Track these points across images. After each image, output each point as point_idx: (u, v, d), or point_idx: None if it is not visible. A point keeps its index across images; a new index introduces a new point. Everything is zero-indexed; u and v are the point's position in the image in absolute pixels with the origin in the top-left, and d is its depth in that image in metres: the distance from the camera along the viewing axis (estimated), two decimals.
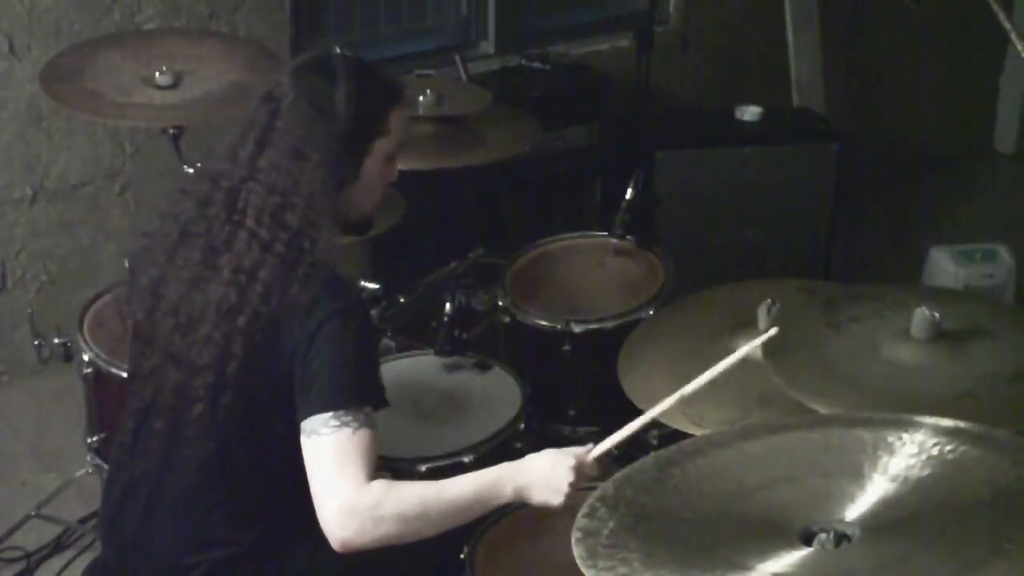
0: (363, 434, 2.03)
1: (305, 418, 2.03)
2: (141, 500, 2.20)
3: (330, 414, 2.01)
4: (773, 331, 2.10)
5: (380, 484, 2.03)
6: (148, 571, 2.20)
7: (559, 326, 2.93)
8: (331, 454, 2.01)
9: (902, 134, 5.29)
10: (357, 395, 2.05)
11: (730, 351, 2.42)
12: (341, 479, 2.01)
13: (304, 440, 2.03)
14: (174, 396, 2.10)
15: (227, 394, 2.05)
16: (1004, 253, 4.32)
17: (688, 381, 2.39)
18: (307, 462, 2.03)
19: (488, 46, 4.42)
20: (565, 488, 2.04)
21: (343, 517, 2.00)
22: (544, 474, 2.06)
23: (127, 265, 2.24)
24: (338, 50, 2.21)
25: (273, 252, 2.05)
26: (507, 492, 2.07)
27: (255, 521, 2.16)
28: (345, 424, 2.01)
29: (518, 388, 2.78)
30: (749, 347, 2.09)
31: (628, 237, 3.13)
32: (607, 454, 2.10)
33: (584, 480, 2.06)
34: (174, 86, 2.96)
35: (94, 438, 2.84)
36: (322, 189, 2.09)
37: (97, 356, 2.77)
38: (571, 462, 2.05)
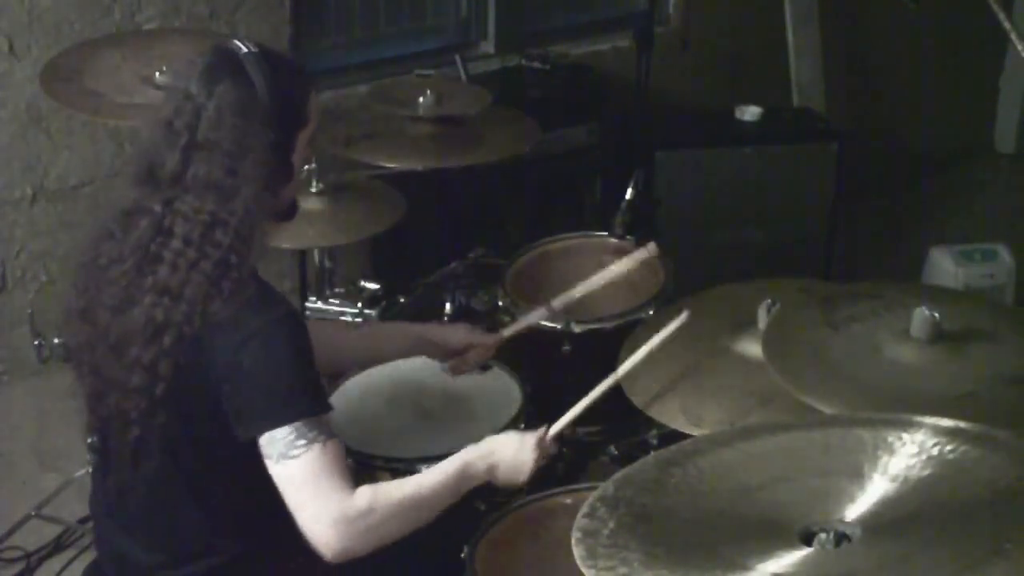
0: (332, 445, 2.02)
1: (259, 434, 1.99)
2: (115, 519, 2.20)
3: (289, 428, 1.98)
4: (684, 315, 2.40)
5: (366, 491, 2.04)
6: None
7: (559, 326, 2.93)
8: (311, 475, 1.99)
9: (902, 134, 5.29)
10: (310, 404, 2.02)
11: (730, 351, 2.44)
12: (327, 497, 2.00)
13: (273, 465, 2.00)
14: (116, 420, 2.06)
15: (160, 415, 2.00)
16: (1004, 253, 4.33)
17: (688, 381, 2.40)
18: (283, 487, 2.01)
19: (488, 46, 4.43)
20: (530, 468, 2.23)
21: (339, 530, 2.00)
22: (512, 456, 2.23)
23: (71, 282, 2.14)
24: (240, 45, 2.07)
25: (199, 270, 1.98)
26: (480, 474, 2.20)
27: (235, 529, 2.14)
28: (313, 440, 1.99)
29: (518, 388, 2.78)
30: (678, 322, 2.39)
31: (628, 237, 3.13)
32: (562, 432, 2.35)
33: (544, 459, 2.27)
34: None
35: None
36: (258, 201, 2.02)
37: None
38: (532, 442, 2.25)
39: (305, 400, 2.02)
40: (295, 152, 2.11)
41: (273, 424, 1.99)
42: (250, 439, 2.01)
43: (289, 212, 2.21)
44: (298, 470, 1.99)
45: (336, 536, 2.01)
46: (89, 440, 2.20)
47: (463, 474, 2.18)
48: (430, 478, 2.16)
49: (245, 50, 2.06)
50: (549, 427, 2.33)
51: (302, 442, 1.99)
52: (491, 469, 2.22)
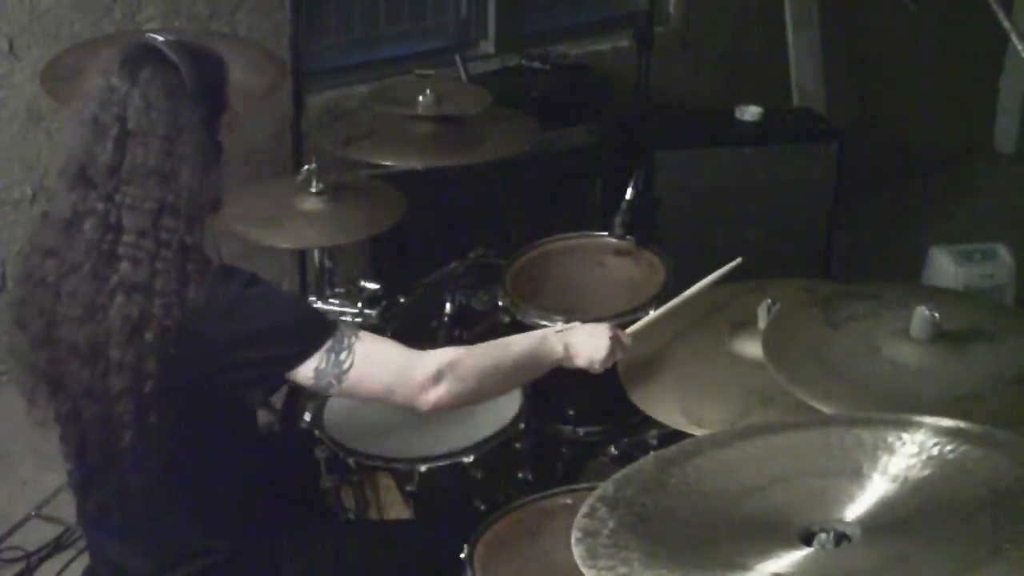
0: (366, 335, 2.09)
1: (298, 376, 2.02)
2: (107, 532, 2.19)
3: (321, 353, 2.02)
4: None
5: (450, 348, 2.16)
6: None
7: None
8: (377, 366, 2.07)
9: (902, 134, 5.29)
10: (324, 324, 2.06)
11: (730, 351, 2.44)
12: (403, 369, 2.09)
13: (339, 388, 2.04)
14: (99, 430, 2.03)
15: (152, 413, 1.98)
16: (1004, 253, 4.33)
17: (688, 381, 2.40)
18: (364, 393, 2.08)
19: (488, 46, 4.43)
20: (604, 352, 2.33)
21: (431, 388, 2.09)
22: (589, 336, 2.34)
23: (12, 318, 2.09)
24: (156, 36, 2.07)
25: (161, 258, 1.97)
26: (559, 348, 2.31)
27: (228, 526, 2.14)
28: (352, 342, 2.05)
29: (518, 388, 2.78)
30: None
31: (628, 237, 3.13)
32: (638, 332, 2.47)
33: (620, 351, 2.38)
34: None
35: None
36: (200, 180, 2.01)
37: None
38: (610, 332, 2.36)
39: (318, 323, 2.07)
40: (221, 134, 2.11)
41: (305, 356, 2.02)
42: (292, 385, 2.05)
43: (217, 203, 2.16)
44: (363, 372, 2.04)
45: (426, 398, 2.10)
46: (68, 467, 2.17)
47: (543, 344, 2.30)
48: (514, 344, 2.29)
49: (161, 39, 2.06)
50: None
51: (343, 352, 2.03)
52: (570, 345, 2.31)
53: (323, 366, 2.02)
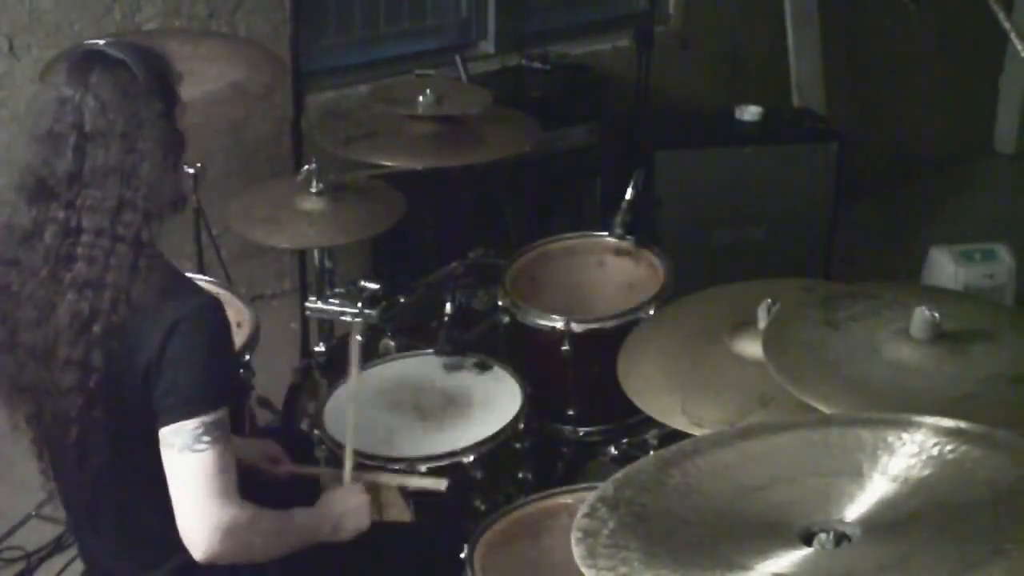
0: (230, 449, 2.01)
1: (167, 424, 1.98)
2: (86, 533, 2.21)
3: (196, 422, 1.97)
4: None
5: (251, 505, 2.04)
6: None
7: (559, 326, 2.93)
8: (211, 472, 1.98)
9: (902, 134, 5.29)
10: (217, 398, 2.01)
11: (730, 351, 2.44)
12: (221, 499, 1.99)
13: (174, 454, 1.98)
14: (55, 428, 2.06)
15: (97, 407, 1.99)
16: (1004, 253, 4.33)
17: (688, 381, 2.40)
18: (179, 476, 1.99)
19: (488, 46, 4.43)
20: (366, 518, 2.25)
21: (219, 536, 1.99)
22: (351, 513, 2.24)
23: None
24: (95, 41, 2.07)
25: (116, 254, 1.97)
26: (327, 529, 2.21)
27: None
28: (217, 439, 1.98)
29: (518, 388, 2.78)
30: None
31: (628, 237, 3.13)
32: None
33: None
34: None
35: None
36: (160, 174, 2.00)
37: None
38: (363, 492, 2.29)
39: (217, 392, 2.02)
40: (179, 124, 2.09)
41: (189, 414, 1.97)
42: (163, 426, 1.99)
43: (183, 200, 2.17)
44: (200, 464, 1.98)
45: (215, 540, 2.00)
46: (40, 464, 2.18)
47: (320, 523, 2.21)
48: (299, 515, 2.19)
49: (101, 42, 2.06)
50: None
51: (207, 438, 1.98)
52: (335, 529, 2.22)
53: (191, 428, 1.97)
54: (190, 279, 2.11)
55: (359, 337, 2.47)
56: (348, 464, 2.38)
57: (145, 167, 1.98)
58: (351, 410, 2.45)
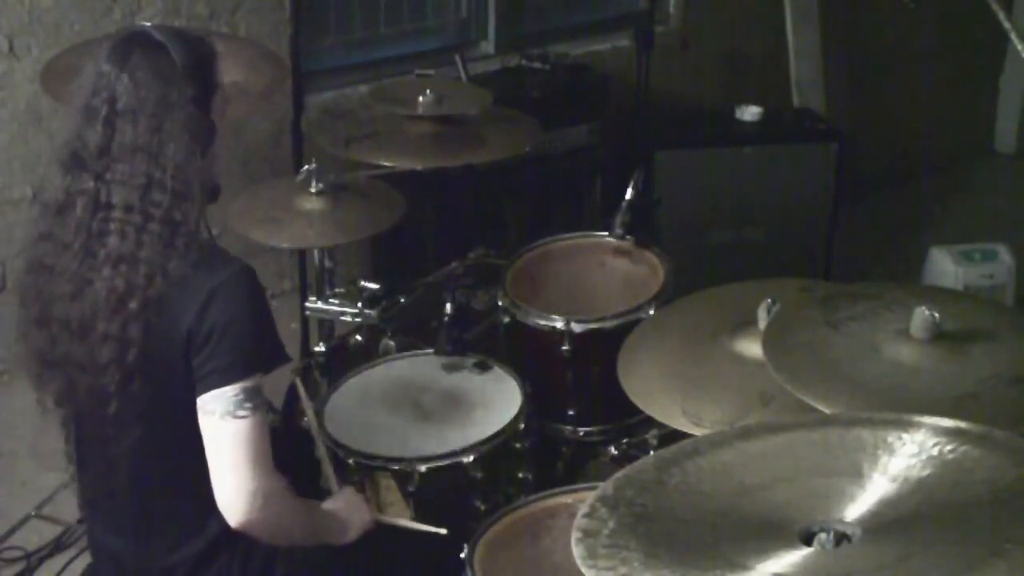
0: (267, 417, 2.06)
1: (207, 390, 2.01)
2: (103, 515, 2.21)
3: (235, 388, 2.00)
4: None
5: (282, 476, 2.09)
6: None
7: (559, 326, 2.93)
8: (249, 439, 2.01)
9: (902, 134, 5.29)
10: (256, 363, 2.04)
11: (730, 351, 2.44)
12: (261, 465, 2.03)
13: (215, 421, 2.01)
14: (89, 402, 2.07)
15: (134, 382, 2.02)
16: (1004, 253, 4.33)
17: (688, 381, 2.40)
18: (218, 443, 2.02)
19: (488, 46, 4.43)
20: (368, 524, 2.30)
21: (263, 500, 2.03)
22: (360, 523, 2.29)
23: (19, 303, 2.16)
24: (144, 23, 2.14)
25: (148, 231, 2.00)
26: (336, 529, 2.25)
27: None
28: (258, 407, 2.02)
29: (518, 388, 2.78)
30: None
31: (628, 237, 3.13)
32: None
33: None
34: None
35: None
36: (187, 156, 2.03)
37: None
38: (361, 497, 2.36)
39: (257, 356, 2.05)
40: (214, 115, 2.13)
41: (229, 380, 2.00)
42: (202, 392, 2.01)
43: (215, 191, 2.21)
44: (240, 431, 2.01)
45: (254, 506, 2.03)
46: (67, 446, 2.20)
47: (335, 520, 2.26)
48: (325, 503, 2.29)
49: (149, 24, 2.11)
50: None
51: (248, 404, 2.01)
52: (342, 531, 2.26)
53: (232, 394, 2.00)
54: (225, 250, 2.14)
55: (297, 379, 2.65)
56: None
57: (171, 148, 2.02)
58: (321, 448, 2.54)
